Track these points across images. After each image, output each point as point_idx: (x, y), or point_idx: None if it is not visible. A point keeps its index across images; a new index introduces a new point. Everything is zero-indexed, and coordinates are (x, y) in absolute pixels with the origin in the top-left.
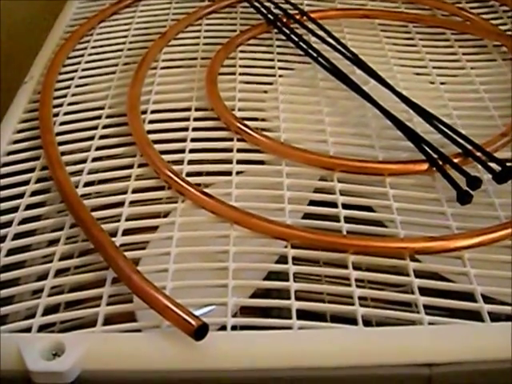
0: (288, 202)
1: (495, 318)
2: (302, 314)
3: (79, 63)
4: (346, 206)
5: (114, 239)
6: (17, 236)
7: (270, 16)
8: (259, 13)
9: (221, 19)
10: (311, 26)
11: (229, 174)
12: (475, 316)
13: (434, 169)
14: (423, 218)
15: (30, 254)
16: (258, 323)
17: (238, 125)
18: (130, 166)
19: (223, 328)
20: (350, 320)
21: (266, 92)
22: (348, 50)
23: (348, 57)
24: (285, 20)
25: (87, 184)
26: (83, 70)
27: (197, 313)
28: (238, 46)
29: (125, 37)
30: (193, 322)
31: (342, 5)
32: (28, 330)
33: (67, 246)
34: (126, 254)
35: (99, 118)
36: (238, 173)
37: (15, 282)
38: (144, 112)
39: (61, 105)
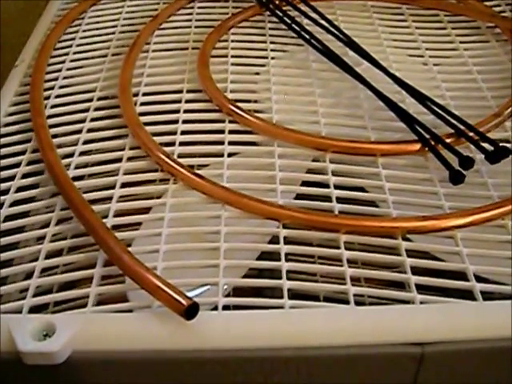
0: (280, 182)
1: (487, 297)
2: (296, 296)
3: (70, 46)
4: (338, 187)
5: (105, 221)
6: (8, 218)
7: None
8: None
9: (213, 2)
10: (304, 8)
11: (221, 155)
12: (465, 296)
13: (427, 149)
14: (415, 198)
15: (21, 235)
16: (250, 303)
17: (230, 106)
18: (122, 148)
19: (215, 308)
20: (344, 302)
21: (258, 74)
22: (341, 32)
23: (341, 39)
24: (277, 2)
25: (78, 166)
26: (74, 53)
27: (192, 293)
28: (229, 28)
29: (116, 20)
30: (183, 302)
31: None
32: (19, 311)
33: (58, 228)
34: (117, 235)
35: (90, 100)
36: (229, 154)
37: (7, 263)
38: (135, 94)
39: (52, 88)
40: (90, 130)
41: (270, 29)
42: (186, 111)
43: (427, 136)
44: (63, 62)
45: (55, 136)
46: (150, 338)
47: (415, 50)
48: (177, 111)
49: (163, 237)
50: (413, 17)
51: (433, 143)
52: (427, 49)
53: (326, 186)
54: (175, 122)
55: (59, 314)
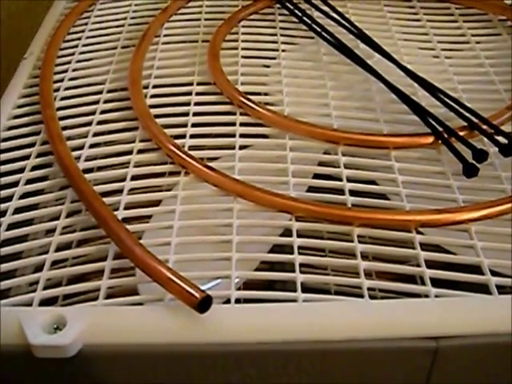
0: (292, 175)
1: (502, 291)
2: (304, 290)
3: (80, 39)
4: (350, 180)
5: (115, 213)
6: (18, 210)
7: None
8: None
9: None
10: (314, 0)
11: (232, 147)
12: (474, 289)
13: (440, 142)
14: (429, 191)
15: (30, 228)
16: (263, 296)
17: (241, 99)
18: (132, 141)
19: (227, 301)
20: (354, 296)
21: (268, 66)
22: (352, 25)
23: (352, 31)
24: None
25: (88, 159)
26: (84, 45)
27: (202, 287)
28: (240, 21)
29: (126, 12)
30: (196, 295)
31: None
32: (30, 304)
33: (68, 220)
34: (128, 227)
35: (100, 92)
36: (241, 147)
37: (16, 256)
38: (146, 87)
39: (61, 80)
40: (100, 123)
41: (280, 21)
42: (196, 103)
43: (440, 129)
44: (73, 54)
45: (65, 128)
46: (162, 331)
47: (427, 43)
48: (187, 104)
49: (174, 229)
50: (424, 10)
51: (446, 136)
52: (439, 42)
53: (338, 179)
54: (186, 114)
55: (70, 306)
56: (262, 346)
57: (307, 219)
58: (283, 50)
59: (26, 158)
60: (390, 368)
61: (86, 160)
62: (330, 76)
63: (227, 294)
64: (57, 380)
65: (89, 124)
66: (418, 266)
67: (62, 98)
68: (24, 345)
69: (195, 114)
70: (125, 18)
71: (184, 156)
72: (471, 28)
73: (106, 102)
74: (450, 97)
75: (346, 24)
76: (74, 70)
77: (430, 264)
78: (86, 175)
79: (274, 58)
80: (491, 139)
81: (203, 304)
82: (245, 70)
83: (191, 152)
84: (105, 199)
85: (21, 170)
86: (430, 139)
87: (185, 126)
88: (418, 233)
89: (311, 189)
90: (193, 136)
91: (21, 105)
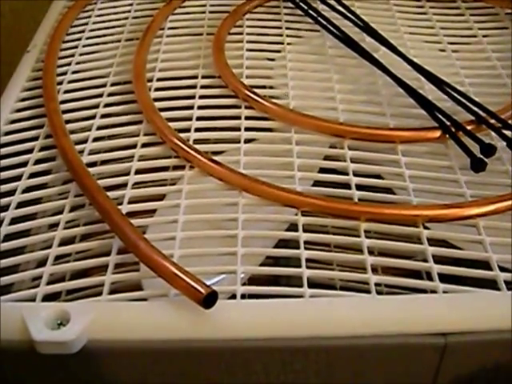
0: (298, 169)
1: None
2: (311, 286)
3: (83, 31)
4: (356, 175)
5: (120, 207)
6: (21, 205)
7: None
8: None
9: None
10: None
11: (237, 141)
12: (481, 284)
13: (447, 136)
14: (436, 185)
15: (34, 222)
16: (269, 291)
17: (247, 92)
18: (136, 134)
19: (233, 297)
20: (360, 291)
21: (273, 60)
22: (358, 18)
23: (358, 25)
24: None
25: (92, 152)
26: (87, 38)
27: (207, 283)
28: (244, 14)
29: (130, 5)
30: (202, 290)
31: None
32: (33, 299)
33: (72, 214)
34: (132, 221)
35: (104, 85)
36: (246, 140)
37: (19, 251)
38: (150, 80)
39: (65, 73)
40: (103, 116)
41: (285, 14)
42: (201, 97)
43: (447, 123)
44: (76, 47)
45: (68, 121)
46: (167, 326)
47: (433, 37)
48: (192, 97)
49: (179, 224)
50: (430, 3)
51: (453, 130)
52: (445, 35)
53: (345, 173)
54: (190, 107)
55: (74, 302)
56: (268, 342)
57: (313, 214)
58: (288, 44)
59: (29, 151)
60: (398, 364)
61: (90, 154)
62: (336, 69)
63: (233, 289)
64: (60, 376)
65: (92, 117)
66: (425, 261)
67: (66, 91)
68: (27, 341)
69: (200, 108)
70: (129, 11)
71: (189, 150)
72: (478, 22)
73: (109, 95)
74: (457, 90)
75: (352, 17)
76: (77, 63)
77: (435, 259)
78: (90, 169)
79: (279, 52)
80: (499, 133)
81: (209, 299)
82: (250, 63)
83: (196, 146)
84: (109, 193)
85: (24, 164)
86: (437, 133)
87: (189, 119)
88: (425, 228)
89: (317, 183)
90: (197, 129)
91: (24, 98)
